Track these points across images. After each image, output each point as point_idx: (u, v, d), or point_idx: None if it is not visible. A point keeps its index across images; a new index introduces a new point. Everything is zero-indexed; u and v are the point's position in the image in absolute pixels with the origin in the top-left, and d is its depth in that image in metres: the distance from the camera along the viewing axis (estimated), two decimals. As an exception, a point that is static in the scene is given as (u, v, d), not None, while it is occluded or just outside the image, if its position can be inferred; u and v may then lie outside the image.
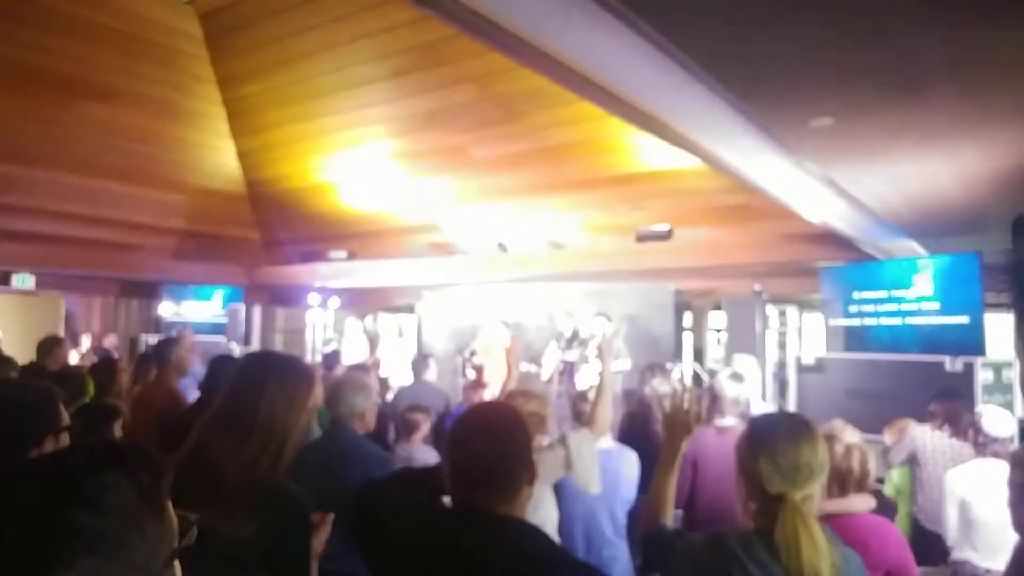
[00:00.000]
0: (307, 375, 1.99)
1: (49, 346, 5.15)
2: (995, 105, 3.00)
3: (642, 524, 2.05)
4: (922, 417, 4.63)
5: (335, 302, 11.54)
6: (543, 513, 2.82)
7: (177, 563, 0.79)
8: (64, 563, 0.66)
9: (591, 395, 3.70)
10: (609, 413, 3.07)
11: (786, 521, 1.60)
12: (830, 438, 2.52)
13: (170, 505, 0.78)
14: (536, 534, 1.51)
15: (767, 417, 2.13)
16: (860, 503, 2.46)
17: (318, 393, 2.07)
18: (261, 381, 1.87)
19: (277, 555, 1.78)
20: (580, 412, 3.60)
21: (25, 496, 0.69)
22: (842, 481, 2.43)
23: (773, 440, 1.71)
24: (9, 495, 0.70)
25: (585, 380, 8.04)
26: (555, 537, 2.83)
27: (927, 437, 4.33)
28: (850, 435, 2.55)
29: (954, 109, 3.05)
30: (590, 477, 2.84)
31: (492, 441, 1.54)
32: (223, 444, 1.77)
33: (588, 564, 1.59)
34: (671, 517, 2.00)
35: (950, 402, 4.56)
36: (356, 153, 9.08)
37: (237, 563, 1.70)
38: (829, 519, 2.34)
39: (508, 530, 1.48)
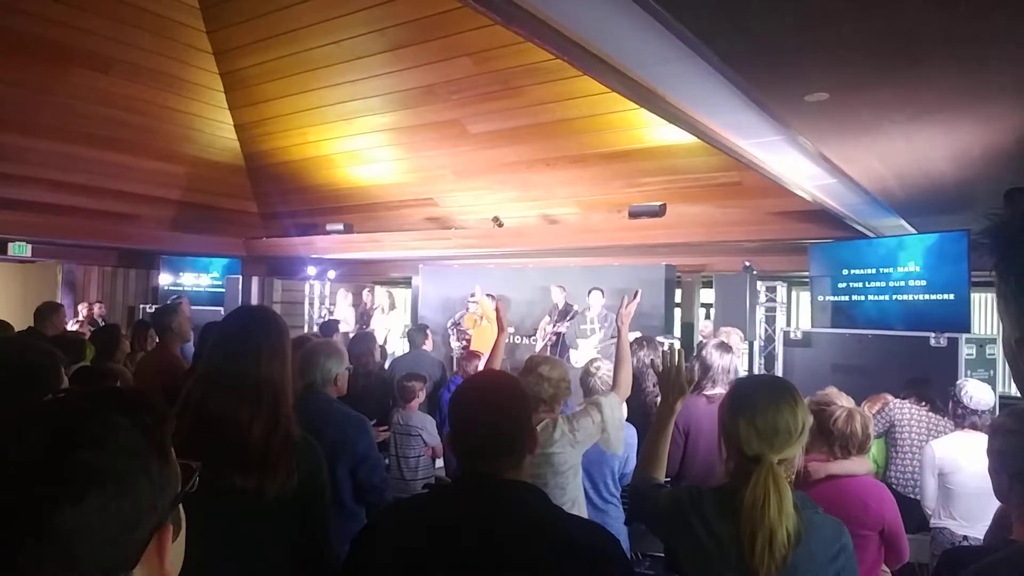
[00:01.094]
0: (286, 327, 2.01)
1: (47, 312, 5.18)
2: (992, 79, 2.99)
3: (633, 478, 2.11)
4: (901, 392, 4.75)
5: (332, 274, 11.64)
6: (581, 479, 2.95)
7: (181, 509, 0.80)
8: (73, 499, 0.66)
9: (593, 367, 3.80)
10: (630, 379, 3.18)
11: (758, 481, 1.61)
12: (828, 404, 2.63)
13: (172, 450, 0.79)
14: (543, 496, 1.56)
15: (750, 380, 2.20)
16: (861, 465, 2.59)
17: None
18: (256, 341, 1.87)
19: (314, 504, 1.85)
20: (589, 385, 3.68)
21: (31, 435, 0.70)
22: (845, 443, 2.54)
23: (753, 402, 1.72)
24: (15, 434, 0.71)
25: (584, 354, 8.18)
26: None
27: (905, 409, 4.45)
28: (845, 401, 2.65)
29: (950, 83, 3.05)
30: (618, 441, 2.97)
31: (496, 411, 1.56)
32: (238, 408, 1.77)
33: (594, 522, 1.63)
34: (661, 474, 2.03)
35: (922, 387, 4.69)
36: (353, 127, 9.11)
37: (275, 519, 1.76)
38: (832, 480, 2.49)
39: (518, 493, 1.51)
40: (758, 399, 1.73)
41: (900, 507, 3.87)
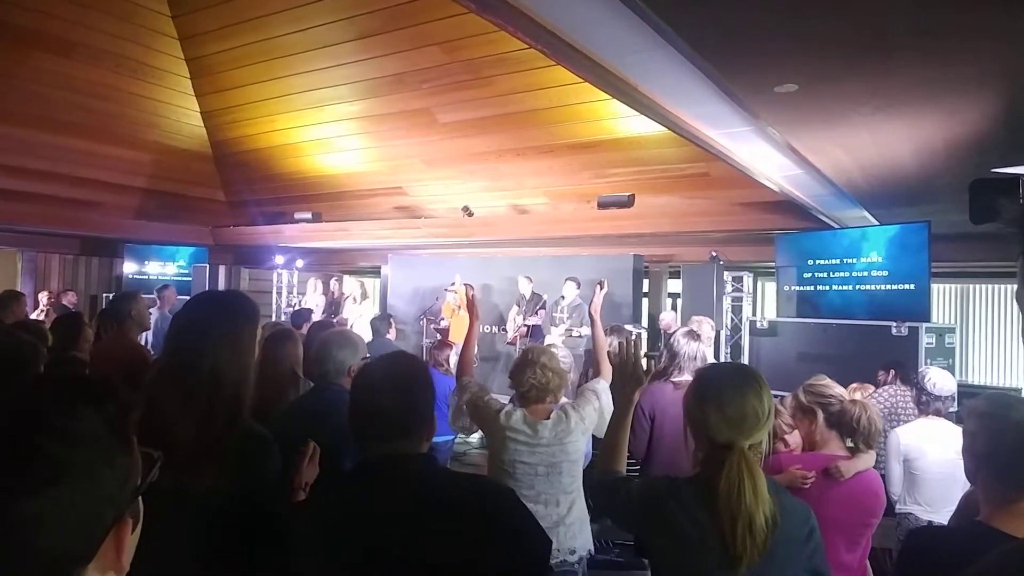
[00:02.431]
0: (247, 312, 1.90)
1: (7, 301, 5.07)
2: (956, 72, 3.05)
3: (596, 472, 2.10)
4: (869, 379, 4.85)
5: (300, 263, 11.54)
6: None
7: (140, 500, 0.78)
8: (31, 491, 0.65)
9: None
10: (610, 364, 3.24)
11: (732, 468, 1.61)
12: (826, 396, 2.71)
13: (135, 440, 0.77)
14: (431, 461, 1.59)
15: (714, 367, 2.22)
16: (873, 459, 2.70)
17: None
18: (203, 330, 1.79)
19: (255, 497, 1.75)
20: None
21: None
22: (867, 439, 2.64)
23: (720, 390, 1.71)
24: None
25: (553, 341, 8.23)
26: None
27: (897, 397, 4.56)
28: (839, 391, 2.74)
29: (915, 76, 3.12)
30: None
31: (394, 395, 1.55)
32: (173, 401, 1.70)
33: (484, 477, 1.66)
34: (623, 466, 2.02)
35: (893, 368, 4.80)
36: (321, 115, 9.02)
37: (223, 516, 1.67)
38: (858, 475, 2.59)
39: (410, 466, 1.54)
40: (724, 387, 1.72)
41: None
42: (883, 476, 4.21)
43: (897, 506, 3.78)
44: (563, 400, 3.12)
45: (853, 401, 2.75)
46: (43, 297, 9.89)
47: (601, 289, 3.44)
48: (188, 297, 2.17)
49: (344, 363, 2.74)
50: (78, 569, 0.67)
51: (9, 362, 1.64)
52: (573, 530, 2.92)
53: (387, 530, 1.43)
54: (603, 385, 3.12)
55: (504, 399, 3.19)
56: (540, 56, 3.22)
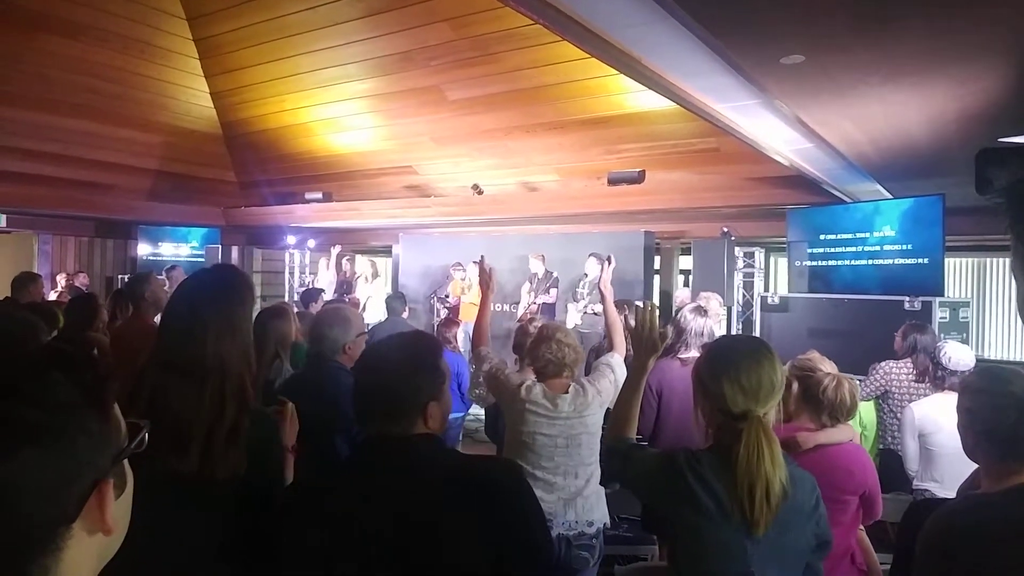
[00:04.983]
0: (239, 289, 1.87)
1: (23, 282, 5.13)
2: (964, 40, 2.99)
3: (605, 438, 2.12)
4: (881, 355, 4.73)
5: (311, 243, 11.59)
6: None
7: (127, 466, 0.80)
8: (5, 453, 0.67)
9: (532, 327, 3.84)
10: (623, 338, 3.28)
11: (750, 435, 1.64)
12: (812, 370, 2.63)
13: (117, 407, 0.79)
14: (439, 443, 1.57)
15: (724, 340, 2.20)
16: (846, 432, 2.62)
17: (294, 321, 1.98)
18: (203, 319, 1.75)
19: (268, 477, 1.78)
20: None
21: None
22: (834, 412, 2.56)
23: (735, 361, 1.73)
24: None
25: (571, 319, 8.25)
26: None
27: (903, 372, 4.44)
28: (828, 366, 2.66)
29: (923, 45, 3.06)
30: None
31: (385, 376, 1.54)
32: (187, 395, 1.68)
33: (493, 457, 1.66)
34: (634, 433, 2.04)
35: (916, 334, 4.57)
36: (330, 94, 9.00)
37: (246, 500, 1.69)
38: (820, 448, 2.51)
39: (416, 447, 1.52)
40: (739, 358, 1.74)
41: (897, 469, 3.86)
42: (899, 453, 4.20)
43: (914, 482, 3.74)
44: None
45: (828, 374, 2.63)
46: (61, 279, 10.01)
47: (609, 264, 3.48)
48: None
49: (337, 341, 2.77)
50: (62, 528, 0.70)
51: (2, 338, 1.65)
52: (591, 502, 2.97)
53: (387, 511, 1.43)
54: (617, 359, 3.15)
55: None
56: (548, 31, 3.20)
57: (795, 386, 2.61)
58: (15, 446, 0.68)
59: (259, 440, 1.77)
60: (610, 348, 3.29)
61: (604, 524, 3.04)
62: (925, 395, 4.10)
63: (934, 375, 3.79)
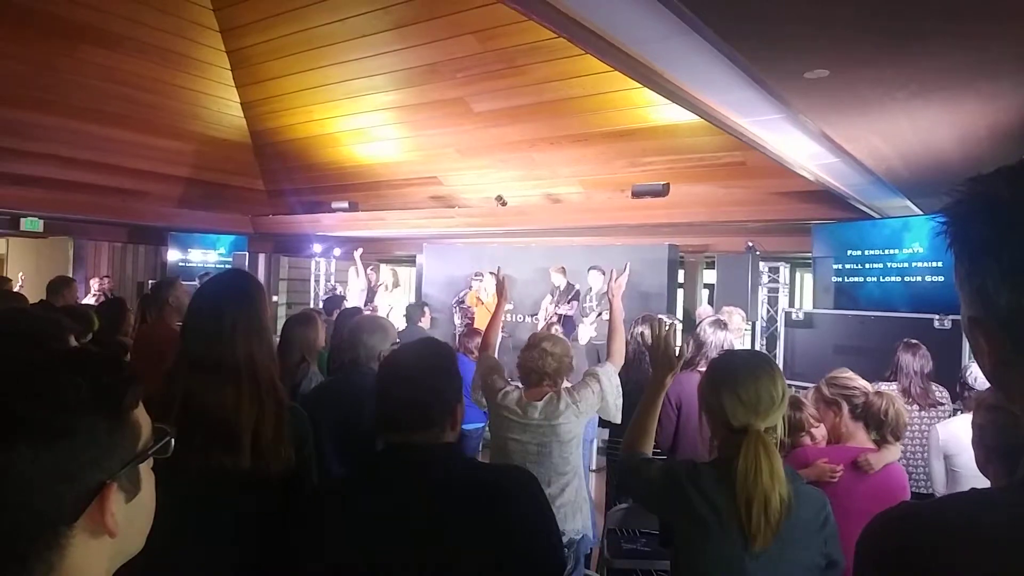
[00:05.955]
0: (258, 292, 1.93)
1: (59, 286, 5.25)
2: (993, 56, 2.95)
3: (621, 451, 2.14)
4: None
5: (337, 252, 11.72)
6: (582, 449, 3.05)
7: (148, 471, 0.81)
8: (3, 446, 0.68)
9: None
10: (623, 348, 3.30)
11: (749, 449, 1.65)
12: (849, 388, 2.72)
13: (138, 411, 0.79)
14: (456, 451, 1.58)
15: (725, 356, 2.24)
16: (898, 451, 2.70)
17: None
18: (231, 321, 1.80)
19: (301, 474, 1.84)
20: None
21: None
22: (895, 431, 2.65)
23: (734, 375, 1.76)
24: None
25: (585, 333, 8.24)
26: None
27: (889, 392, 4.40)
28: (862, 383, 2.74)
29: (952, 60, 3.01)
30: (615, 409, 3.10)
31: (418, 385, 1.54)
32: (220, 394, 1.73)
33: (507, 465, 1.66)
34: (649, 448, 2.06)
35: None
36: (358, 105, 9.12)
37: (290, 492, 1.76)
38: (887, 468, 2.61)
39: (438, 456, 1.53)
40: (738, 372, 1.77)
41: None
42: (926, 473, 4.13)
43: None
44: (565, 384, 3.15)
45: (878, 393, 2.72)
46: (94, 283, 10.21)
47: (623, 271, 3.47)
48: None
49: (374, 348, 2.83)
50: (61, 527, 0.71)
51: (26, 338, 1.70)
52: (564, 512, 2.94)
53: (405, 520, 1.45)
54: (608, 369, 3.13)
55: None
56: (573, 45, 3.22)
57: (844, 407, 2.67)
58: (12, 440, 0.69)
59: (302, 435, 1.85)
60: (608, 355, 3.27)
61: (583, 536, 3.02)
62: (916, 415, 4.08)
63: (960, 395, 3.73)
